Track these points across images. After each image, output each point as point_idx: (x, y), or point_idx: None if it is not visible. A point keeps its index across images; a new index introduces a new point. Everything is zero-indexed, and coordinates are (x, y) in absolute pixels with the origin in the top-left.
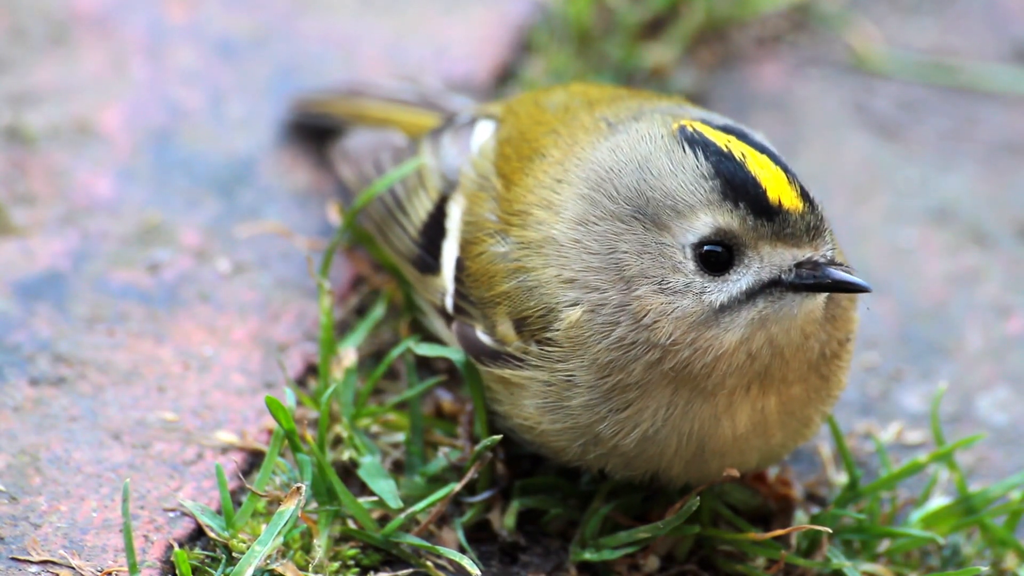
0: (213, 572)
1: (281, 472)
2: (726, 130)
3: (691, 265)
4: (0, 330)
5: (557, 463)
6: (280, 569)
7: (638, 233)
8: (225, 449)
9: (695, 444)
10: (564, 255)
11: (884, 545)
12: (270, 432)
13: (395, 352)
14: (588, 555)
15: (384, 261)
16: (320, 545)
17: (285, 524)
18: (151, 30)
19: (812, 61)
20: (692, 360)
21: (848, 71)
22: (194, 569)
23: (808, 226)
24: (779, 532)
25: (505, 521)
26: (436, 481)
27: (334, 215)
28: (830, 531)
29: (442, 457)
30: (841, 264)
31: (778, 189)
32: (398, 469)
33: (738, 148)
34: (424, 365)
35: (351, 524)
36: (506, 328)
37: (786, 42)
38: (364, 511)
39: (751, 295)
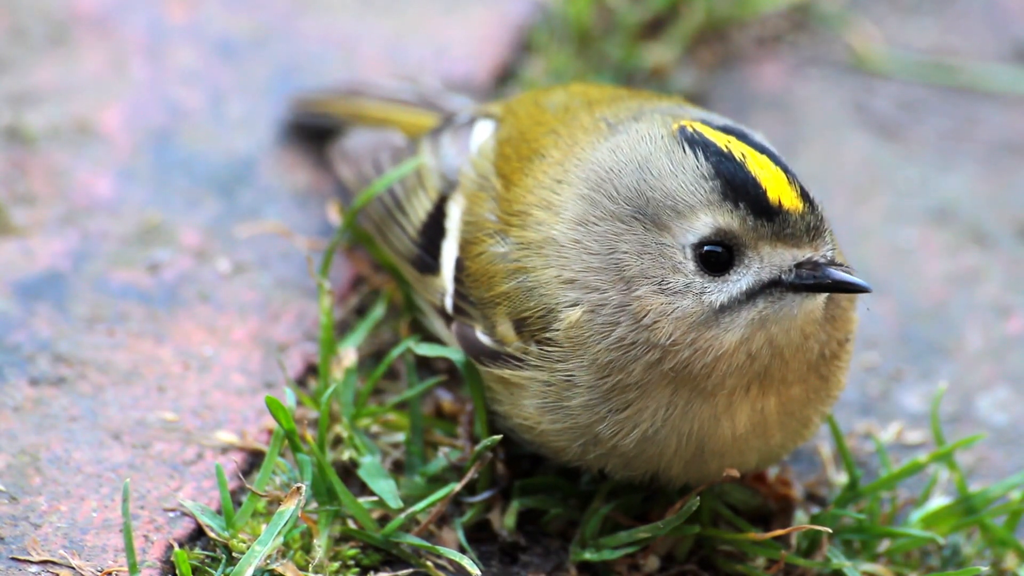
0: (213, 572)
1: (281, 472)
2: (726, 130)
3: (691, 265)
4: (0, 330)
5: (557, 463)
6: (280, 569)
7: (638, 233)
8: (225, 449)
9: (695, 444)
10: (564, 255)
11: (884, 545)
12: (270, 432)
13: (395, 352)
14: (588, 555)
15: (384, 261)
16: (320, 545)
17: (285, 524)
18: (151, 30)
19: (812, 61)
20: (692, 360)
21: (848, 71)
22: (194, 569)
23: (808, 226)
24: (779, 532)
25: (505, 521)
26: (436, 481)
27: (334, 215)
28: (830, 531)
29: (442, 457)
30: (841, 264)
31: (778, 189)
32: (398, 469)
33: (738, 148)
34: (424, 365)
35: (351, 524)
36: (506, 328)
37: (786, 42)
38: (364, 511)
39: (751, 295)
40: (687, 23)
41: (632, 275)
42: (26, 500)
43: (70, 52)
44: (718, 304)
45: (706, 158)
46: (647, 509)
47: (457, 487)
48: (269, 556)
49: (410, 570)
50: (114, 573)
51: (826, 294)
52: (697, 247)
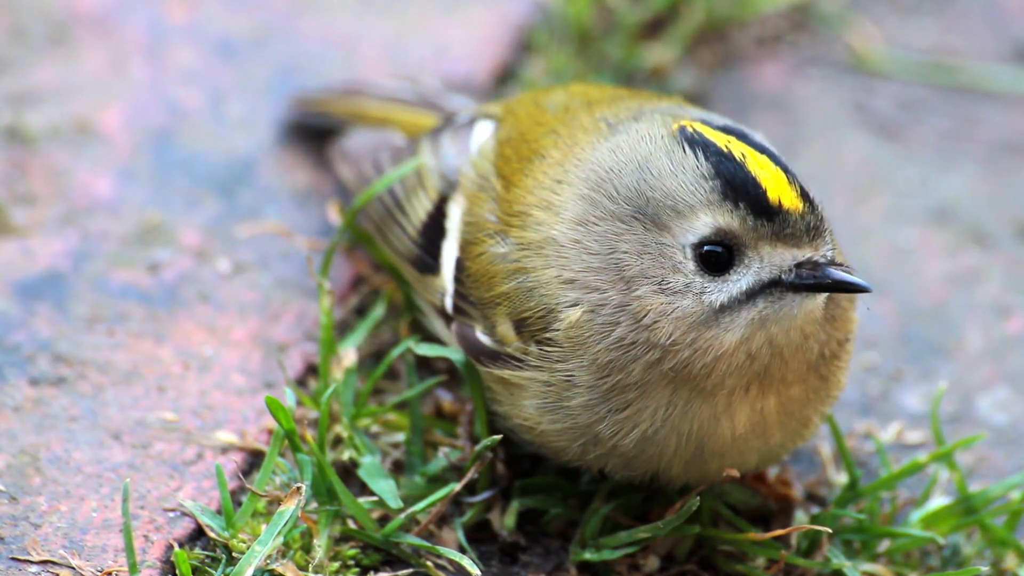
0: (213, 572)
1: (281, 472)
2: (726, 130)
3: (691, 265)
4: (0, 330)
5: (557, 463)
6: (280, 569)
7: (638, 233)
8: (225, 449)
9: (694, 444)
10: (564, 255)
11: (884, 545)
12: (270, 432)
13: (395, 352)
14: (588, 555)
15: (384, 261)
16: (320, 545)
17: (285, 524)
18: (151, 30)
19: (812, 61)
20: (692, 360)
21: (848, 71)
22: (194, 569)
23: (808, 226)
24: (779, 532)
25: (505, 521)
26: (436, 481)
27: (334, 215)
28: (830, 531)
29: (442, 457)
30: (841, 264)
31: (778, 189)
32: (398, 469)
33: (738, 148)
34: (424, 365)
35: (351, 524)
36: (506, 329)
37: (786, 42)
38: (364, 511)
39: (751, 295)
40: (687, 23)
41: (632, 275)
42: (26, 500)
43: (70, 52)
44: (718, 304)
45: (706, 158)
46: (647, 509)
47: (457, 487)
48: (269, 556)
49: (410, 570)
50: (114, 573)
51: (826, 294)
52: (697, 247)
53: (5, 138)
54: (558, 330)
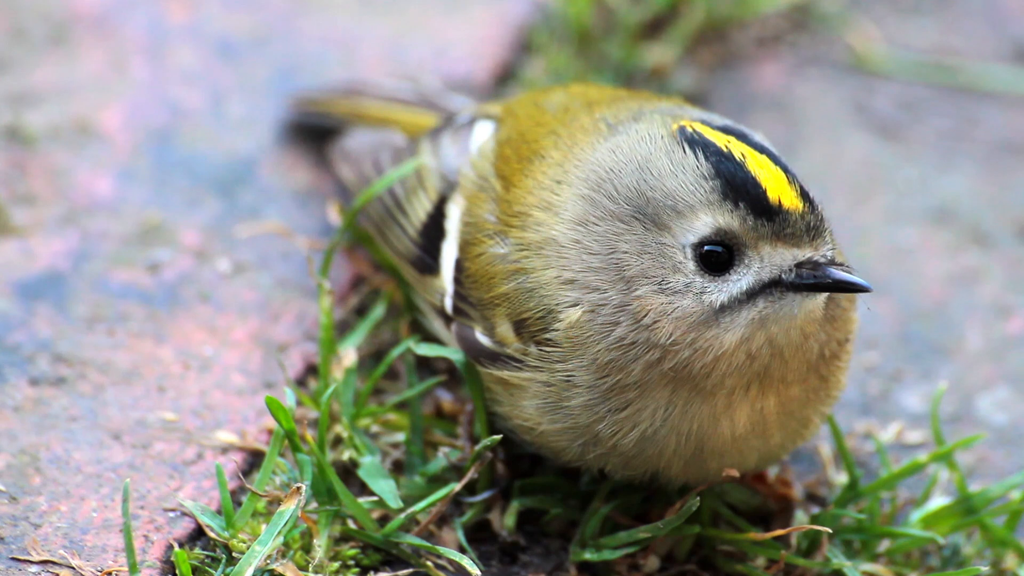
0: (213, 572)
1: (281, 472)
2: (726, 130)
3: (691, 265)
4: (0, 330)
5: (557, 463)
6: (280, 569)
7: (638, 233)
8: (225, 449)
9: (694, 444)
10: (564, 256)
11: (884, 545)
12: (270, 432)
13: (395, 352)
14: (588, 555)
15: (384, 261)
16: (320, 545)
17: (285, 524)
18: (151, 30)
19: (812, 61)
20: (692, 360)
21: (848, 71)
22: (194, 569)
23: (808, 226)
24: (779, 532)
25: (505, 521)
26: (436, 481)
27: (334, 215)
28: (830, 531)
29: (442, 457)
30: (841, 264)
31: (778, 189)
32: (398, 469)
33: (738, 148)
34: (424, 365)
35: (351, 524)
36: (505, 329)
37: (786, 42)
38: (364, 511)
39: (751, 295)
40: (687, 23)
41: (632, 275)
42: (26, 500)
43: (70, 52)
44: (718, 304)
45: (706, 158)
46: (647, 509)
47: (457, 487)
48: (269, 556)
49: (410, 570)
50: (114, 573)
51: (826, 294)
52: (697, 247)
53: (5, 138)
54: (558, 330)
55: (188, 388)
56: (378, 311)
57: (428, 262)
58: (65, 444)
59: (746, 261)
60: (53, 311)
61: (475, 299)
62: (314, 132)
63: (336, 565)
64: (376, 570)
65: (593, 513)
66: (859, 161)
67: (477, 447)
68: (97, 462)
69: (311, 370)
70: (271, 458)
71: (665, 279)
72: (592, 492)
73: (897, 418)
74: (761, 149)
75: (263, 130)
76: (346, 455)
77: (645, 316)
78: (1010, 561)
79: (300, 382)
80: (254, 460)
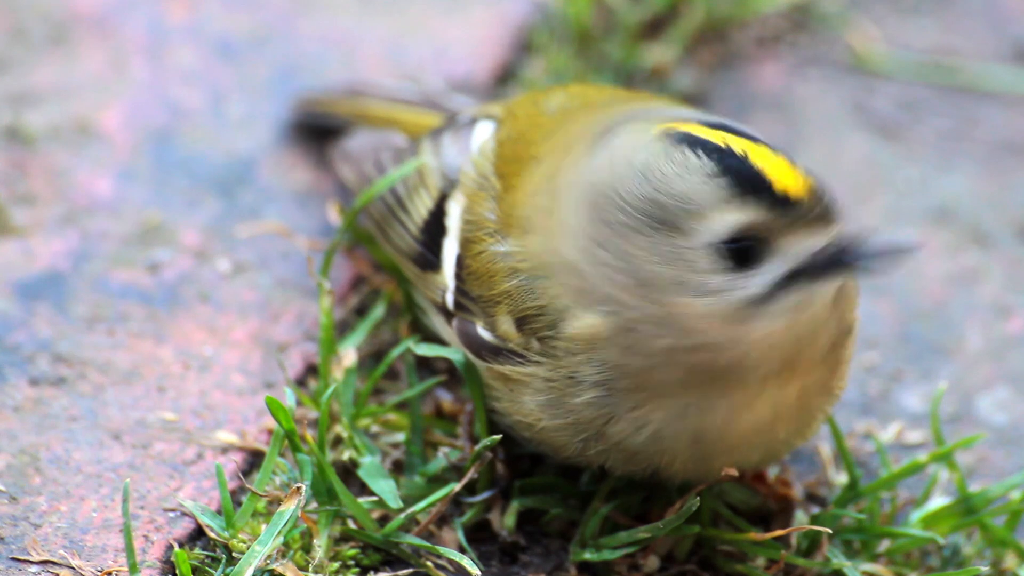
0: (213, 572)
1: (281, 472)
2: (721, 128)
3: (712, 264)
4: (0, 330)
5: (556, 460)
6: (280, 569)
7: (648, 236)
8: (225, 449)
9: (700, 440)
10: (564, 256)
11: (884, 545)
12: (270, 432)
13: (395, 352)
14: (588, 555)
15: (384, 261)
16: (320, 545)
17: (285, 524)
18: (151, 30)
19: (812, 61)
20: (716, 357)
21: (848, 71)
22: (194, 569)
23: (822, 210)
24: (779, 532)
25: (505, 521)
26: (436, 481)
27: (334, 215)
28: (830, 531)
29: (442, 457)
30: (859, 239)
31: (785, 178)
32: (398, 469)
33: (738, 144)
34: (424, 365)
35: (351, 524)
36: (507, 326)
37: (786, 42)
38: (364, 511)
39: (780, 285)
40: (687, 23)
41: (646, 278)
42: (26, 500)
43: (70, 52)
44: (747, 298)
45: (708, 156)
46: (647, 509)
47: (457, 487)
48: (269, 556)
49: (410, 570)
50: (114, 573)
51: (837, 282)
52: (717, 245)
53: (5, 138)
54: (564, 330)
55: (188, 388)
56: (378, 311)
57: (429, 258)
58: (65, 444)
59: (769, 253)
60: (53, 311)
61: (476, 295)
62: (314, 132)
63: (336, 565)
64: (376, 570)
65: (593, 513)
66: (859, 161)
67: (477, 447)
68: (97, 462)
69: (311, 370)
70: (271, 458)
71: (684, 280)
72: (592, 492)
73: (897, 418)
74: (756, 141)
75: (263, 130)
76: (346, 455)
77: (664, 317)
78: (1010, 561)
79: (300, 382)
80: (254, 460)
